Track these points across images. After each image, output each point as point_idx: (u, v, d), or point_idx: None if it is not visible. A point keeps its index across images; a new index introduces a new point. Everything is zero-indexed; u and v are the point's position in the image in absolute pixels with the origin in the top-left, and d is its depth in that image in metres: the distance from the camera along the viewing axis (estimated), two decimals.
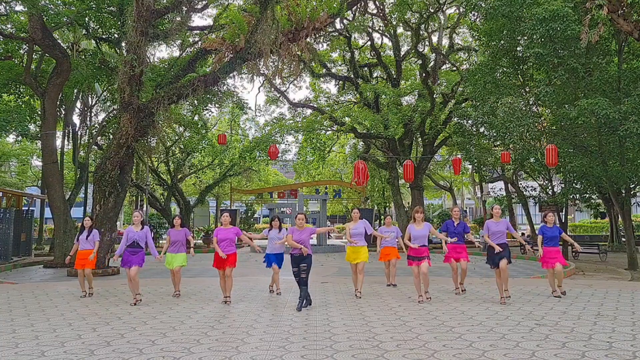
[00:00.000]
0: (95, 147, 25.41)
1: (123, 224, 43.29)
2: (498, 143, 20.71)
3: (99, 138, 24.86)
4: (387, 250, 10.57)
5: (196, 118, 26.25)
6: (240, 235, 8.91)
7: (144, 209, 31.43)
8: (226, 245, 8.64)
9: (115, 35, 19.02)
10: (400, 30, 27.01)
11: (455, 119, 23.97)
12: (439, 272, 13.56)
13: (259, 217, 56.56)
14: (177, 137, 28.27)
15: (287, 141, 39.26)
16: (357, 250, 9.30)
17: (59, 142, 24.21)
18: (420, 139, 28.52)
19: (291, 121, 27.69)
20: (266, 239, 9.56)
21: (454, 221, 9.67)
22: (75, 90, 22.64)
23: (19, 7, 18.18)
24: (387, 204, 38.81)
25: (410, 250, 8.68)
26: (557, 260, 9.03)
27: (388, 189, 32.59)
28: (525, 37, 14.89)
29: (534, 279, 12.36)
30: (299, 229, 8.23)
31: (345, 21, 24.91)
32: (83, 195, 26.66)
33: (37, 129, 22.10)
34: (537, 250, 9.59)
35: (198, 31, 21.16)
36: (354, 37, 27.27)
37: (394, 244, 10.60)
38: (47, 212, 24.81)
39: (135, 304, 8.45)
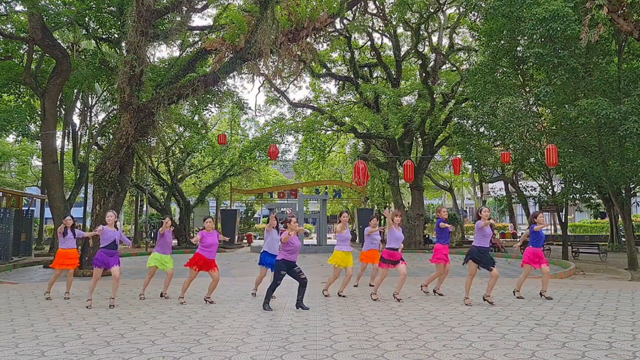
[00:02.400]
0: (95, 147, 25.42)
1: (123, 224, 43.29)
2: (498, 143, 20.72)
3: (99, 138, 24.86)
4: (372, 253, 10.32)
5: (196, 118, 26.26)
6: (219, 237, 8.99)
7: (144, 209, 31.42)
8: (214, 250, 8.70)
9: (115, 35, 19.02)
10: (400, 30, 27.03)
11: (455, 119, 23.98)
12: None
13: (259, 217, 56.54)
14: (177, 137, 28.28)
15: (287, 141, 39.37)
16: (348, 255, 9.33)
17: (59, 142, 24.23)
18: (420, 139, 28.54)
19: (291, 121, 27.71)
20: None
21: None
22: (75, 90, 22.65)
23: (19, 7, 18.20)
24: (387, 204, 38.80)
25: (385, 253, 8.79)
26: (542, 261, 9.06)
27: (388, 189, 32.63)
28: (525, 37, 14.89)
29: (533, 279, 12.36)
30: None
31: (345, 21, 24.93)
32: (83, 195, 26.67)
33: (37, 129, 22.11)
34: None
35: (198, 31, 21.17)
36: (354, 37, 27.29)
37: (377, 247, 10.44)
38: (47, 212, 24.81)
39: (113, 306, 8.28)
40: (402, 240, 8.95)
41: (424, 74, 25.75)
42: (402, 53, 27.16)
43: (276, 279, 8.03)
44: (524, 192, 25.40)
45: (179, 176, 30.78)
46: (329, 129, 28.64)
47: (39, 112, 20.40)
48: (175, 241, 30.25)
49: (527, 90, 17.76)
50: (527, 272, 9.23)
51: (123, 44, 18.26)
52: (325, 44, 24.78)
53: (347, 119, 27.56)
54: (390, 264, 8.74)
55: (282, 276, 7.99)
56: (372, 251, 10.26)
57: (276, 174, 46.48)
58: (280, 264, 7.97)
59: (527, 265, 9.17)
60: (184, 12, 16.50)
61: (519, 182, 28.04)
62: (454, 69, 26.21)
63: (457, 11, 25.18)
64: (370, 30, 26.49)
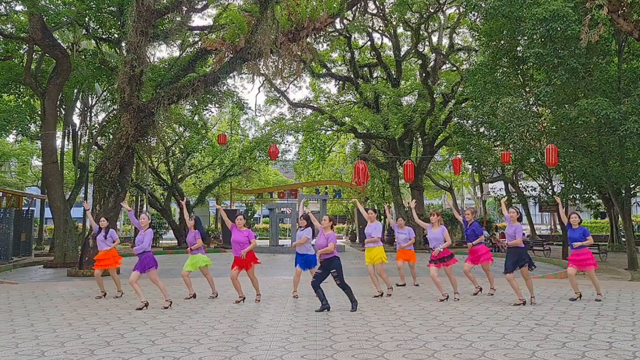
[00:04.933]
0: (95, 147, 25.41)
1: (123, 224, 43.28)
2: (498, 143, 20.70)
3: (99, 138, 24.86)
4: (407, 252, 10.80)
5: (196, 118, 26.24)
6: (252, 238, 8.62)
7: (144, 209, 31.39)
8: (237, 248, 8.55)
9: (115, 35, 19.01)
10: (400, 30, 27.02)
11: (455, 119, 23.97)
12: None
13: (259, 217, 56.50)
14: (177, 137, 28.26)
15: (287, 141, 39.19)
16: (379, 251, 9.47)
17: (59, 142, 24.22)
18: (420, 139, 28.52)
19: (291, 121, 27.70)
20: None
21: (467, 222, 9.68)
22: (75, 90, 22.64)
23: (19, 7, 18.18)
24: (387, 204, 38.75)
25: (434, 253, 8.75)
26: (591, 262, 8.75)
27: (388, 189, 32.59)
28: (526, 37, 14.89)
29: (534, 279, 12.35)
30: (324, 232, 8.03)
31: (345, 21, 24.91)
32: (83, 195, 26.65)
33: (37, 129, 22.11)
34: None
35: (198, 31, 21.15)
36: (354, 37, 27.27)
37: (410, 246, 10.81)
38: (47, 212, 24.81)
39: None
40: (441, 240, 8.74)
41: (424, 74, 25.73)
42: (402, 53, 27.14)
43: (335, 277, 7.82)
44: (524, 192, 25.36)
45: (179, 176, 30.76)
46: (329, 129, 28.62)
47: (39, 112, 20.38)
48: (175, 241, 30.26)
49: (527, 90, 17.75)
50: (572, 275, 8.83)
51: (123, 44, 18.24)
52: (325, 44, 24.80)
53: (347, 119, 27.54)
54: (439, 262, 8.72)
55: (318, 274, 7.80)
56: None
57: (276, 174, 46.42)
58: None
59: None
60: (184, 12, 16.48)
61: (519, 182, 28.02)
62: (454, 69, 26.20)
63: (457, 11, 25.16)
64: (370, 30, 26.47)
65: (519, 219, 8.44)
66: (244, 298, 8.78)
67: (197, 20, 50.14)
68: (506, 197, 10.44)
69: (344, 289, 7.83)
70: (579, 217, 8.98)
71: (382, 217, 40.53)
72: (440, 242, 8.70)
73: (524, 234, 9.06)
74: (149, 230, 8.46)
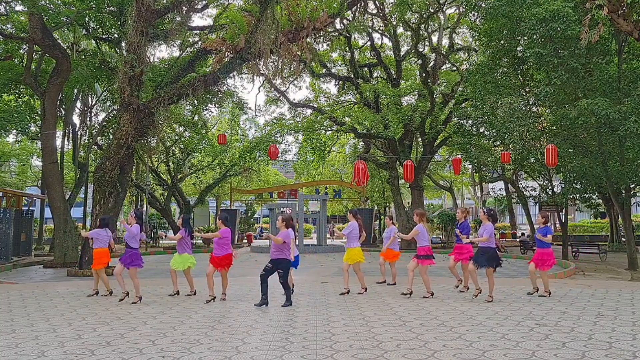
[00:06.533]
0: (95, 147, 25.42)
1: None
2: (498, 143, 20.71)
3: (99, 138, 24.86)
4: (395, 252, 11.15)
5: (196, 118, 26.25)
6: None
7: (144, 208, 31.46)
8: (218, 248, 9.10)
9: (115, 35, 19.02)
10: (400, 30, 27.01)
11: (455, 119, 23.96)
12: (438, 272, 13.56)
13: (259, 217, 56.52)
14: (177, 137, 28.27)
15: (287, 141, 39.23)
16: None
17: (59, 142, 24.22)
18: (420, 139, 28.53)
19: (291, 121, 27.70)
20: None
21: (458, 221, 10.13)
22: (75, 90, 22.65)
23: (19, 7, 18.19)
24: (387, 204, 38.81)
25: (425, 250, 9.09)
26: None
27: (388, 189, 32.62)
28: (526, 37, 14.91)
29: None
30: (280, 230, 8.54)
31: (345, 21, 24.90)
32: (83, 195, 26.66)
33: (37, 129, 22.11)
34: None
35: (198, 31, 21.15)
36: (354, 37, 27.28)
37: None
38: (47, 212, 24.81)
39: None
40: (418, 237, 9.21)
41: (424, 74, 25.73)
42: (402, 53, 27.13)
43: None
44: (524, 192, 25.38)
45: (179, 176, 30.76)
46: (329, 129, 28.62)
47: (39, 112, 20.38)
48: (175, 241, 30.21)
49: (527, 90, 17.76)
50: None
51: (123, 44, 18.25)
52: (325, 44, 24.76)
53: (347, 119, 27.55)
54: (431, 259, 9.16)
55: (274, 272, 8.38)
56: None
57: (276, 174, 46.44)
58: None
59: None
60: (184, 12, 16.48)
61: (519, 182, 28.03)
62: (454, 69, 26.20)
63: (457, 11, 25.16)
64: (370, 30, 26.46)
65: (494, 221, 8.81)
66: (214, 298, 8.91)
67: (197, 20, 50.25)
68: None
69: (284, 288, 8.37)
70: (541, 217, 9.45)
71: (382, 216, 40.60)
72: (419, 239, 9.15)
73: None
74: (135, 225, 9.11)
